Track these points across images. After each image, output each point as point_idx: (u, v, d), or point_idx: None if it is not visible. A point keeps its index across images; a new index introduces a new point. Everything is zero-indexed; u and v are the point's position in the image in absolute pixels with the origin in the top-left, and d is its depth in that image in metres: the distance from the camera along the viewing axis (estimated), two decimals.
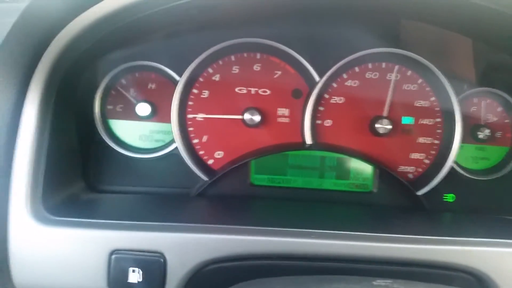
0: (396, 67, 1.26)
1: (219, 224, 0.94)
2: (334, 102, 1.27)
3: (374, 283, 0.73)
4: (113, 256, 0.88)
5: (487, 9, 0.89)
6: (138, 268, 0.87)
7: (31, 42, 0.90)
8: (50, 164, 0.97)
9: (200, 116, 1.25)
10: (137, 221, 0.93)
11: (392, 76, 1.26)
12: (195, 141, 1.26)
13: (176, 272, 0.87)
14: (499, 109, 1.31)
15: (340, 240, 0.93)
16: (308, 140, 1.25)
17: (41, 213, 0.91)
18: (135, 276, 0.87)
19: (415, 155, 1.29)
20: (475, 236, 0.97)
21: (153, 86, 1.25)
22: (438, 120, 1.28)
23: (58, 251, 0.89)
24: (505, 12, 0.89)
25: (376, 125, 1.24)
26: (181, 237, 0.89)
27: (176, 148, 1.23)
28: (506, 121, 1.31)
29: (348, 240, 0.93)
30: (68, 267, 0.89)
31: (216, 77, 1.25)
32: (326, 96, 1.27)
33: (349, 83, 1.27)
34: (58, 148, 1.02)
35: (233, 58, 1.25)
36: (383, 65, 1.26)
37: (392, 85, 1.26)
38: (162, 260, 0.87)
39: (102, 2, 0.88)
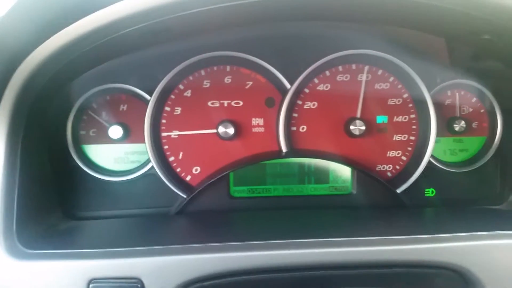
0: (366, 67, 1.26)
1: (198, 243, 0.94)
2: (308, 107, 1.27)
3: None
4: (91, 285, 0.87)
5: (453, 11, 0.90)
6: None
7: None
8: (23, 197, 0.96)
9: (174, 133, 1.25)
10: (114, 247, 0.92)
11: (363, 77, 1.26)
12: (171, 158, 1.26)
13: None
14: (474, 99, 1.32)
15: (324, 248, 0.93)
16: (284, 147, 1.25)
17: (16, 248, 0.90)
18: None
19: (392, 153, 1.29)
20: (457, 231, 0.97)
21: (125, 107, 1.24)
22: (413, 116, 1.29)
23: (35, 285, 0.88)
24: (468, 12, 0.89)
25: (351, 127, 1.24)
26: (158, 260, 0.88)
27: (153, 167, 1.22)
28: (482, 111, 1.32)
29: (332, 247, 0.93)
30: None
31: (188, 93, 1.25)
32: (299, 102, 1.27)
33: (321, 87, 1.27)
34: (31, 180, 1.01)
35: (203, 72, 1.25)
36: (353, 66, 1.27)
37: (363, 85, 1.26)
38: (139, 285, 0.86)
39: (63, 30, 0.87)
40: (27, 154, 0.99)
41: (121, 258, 0.89)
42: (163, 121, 1.25)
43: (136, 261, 0.88)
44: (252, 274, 0.92)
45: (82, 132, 1.23)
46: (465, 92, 1.31)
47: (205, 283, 0.90)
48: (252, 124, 1.27)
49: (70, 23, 0.85)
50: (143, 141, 1.21)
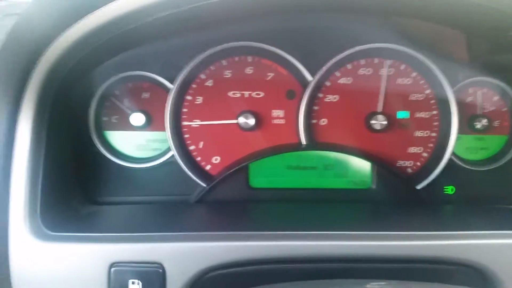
0: (389, 62, 1.26)
1: (218, 231, 0.95)
2: (329, 100, 1.27)
3: (368, 286, 0.73)
4: (113, 269, 0.88)
5: (478, 5, 0.89)
6: (138, 279, 0.87)
7: (21, 59, 0.90)
8: (47, 179, 0.98)
9: (195, 122, 1.26)
10: (136, 232, 0.93)
11: (385, 71, 1.25)
12: (192, 147, 1.26)
13: (175, 281, 0.88)
14: (496, 98, 1.31)
15: (341, 241, 0.93)
16: (304, 140, 1.25)
17: (40, 229, 0.92)
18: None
19: (413, 149, 1.28)
20: (476, 229, 0.96)
21: (147, 95, 1.25)
22: (434, 112, 1.28)
23: (58, 266, 0.89)
24: (496, 7, 0.88)
25: (372, 121, 1.23)
26: (179, 246, 0.89)
27: (173, 155, 1.23)
28: (504, 109, 1.31)
29: (349, 240, 0.93)
30: (68, 282, 0.89)
31: (209, 83, 1.25)
32: (320, 95, 1.26)
33: (342, 80, 1.26)
34: (54, 163, 1.02)
35: (224, 62, 1.25)
36: (376, 60, 1.26)
37: (385, 80, 1.25)
38: (160, 270, 0.87)
39: (88, 16, 0.88)
40: (52, 138, 1.00)
41: (143, 242, 0.90)
42: (184, 110, 1.25)
43: (158, 246, 0.89)
44: (271, 264, 0.92)
45: (105, 119, 1.24)
46: (487, 90, 1.30)
47: (224, 271, 0.90)
48: (273, 116, 1.27)
49: (97, 9, 0.85)
50: (164, 129, 1.22)
